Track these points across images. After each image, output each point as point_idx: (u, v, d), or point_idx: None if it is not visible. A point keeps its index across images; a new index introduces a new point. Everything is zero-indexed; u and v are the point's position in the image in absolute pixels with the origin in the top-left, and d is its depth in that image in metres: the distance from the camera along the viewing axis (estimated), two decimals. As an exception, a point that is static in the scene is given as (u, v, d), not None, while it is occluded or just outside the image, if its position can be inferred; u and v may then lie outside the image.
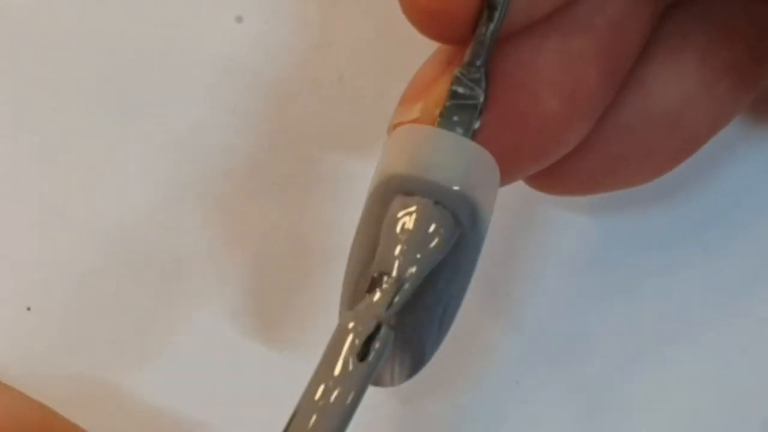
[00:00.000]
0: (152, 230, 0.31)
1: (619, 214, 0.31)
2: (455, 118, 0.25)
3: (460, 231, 0.24)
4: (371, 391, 0.30)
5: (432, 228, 0.24)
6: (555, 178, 0.27)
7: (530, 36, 0.25)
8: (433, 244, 0.24)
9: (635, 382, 0.30)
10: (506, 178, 0.26)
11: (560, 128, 0.26)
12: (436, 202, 0.24)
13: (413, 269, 0.24)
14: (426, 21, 0.25)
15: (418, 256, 0.24)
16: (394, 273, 0.24)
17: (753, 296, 0.30)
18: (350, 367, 0.23)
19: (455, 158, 0.24)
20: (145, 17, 0.32)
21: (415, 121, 0.25)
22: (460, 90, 0.25)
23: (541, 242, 0.31)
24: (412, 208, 0.24)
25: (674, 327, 0.30)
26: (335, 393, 0.23)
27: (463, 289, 0.25)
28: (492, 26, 0.24)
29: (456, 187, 0.24)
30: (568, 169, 0.27)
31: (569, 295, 0.31)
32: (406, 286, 0.24)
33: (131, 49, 0.32)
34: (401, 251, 0.24)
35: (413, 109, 0.25)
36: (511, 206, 0.31)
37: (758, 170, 0.31)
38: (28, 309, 0.31)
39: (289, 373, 0.30)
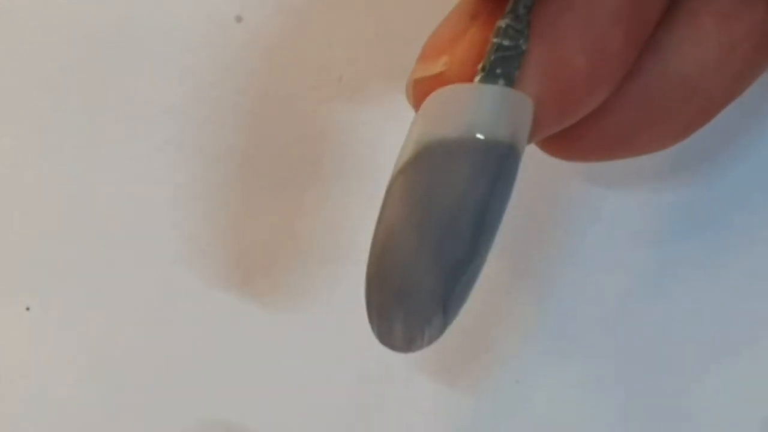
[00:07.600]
0: (152, 230, 0.31)
1: (620, 212, 0.31)
2: (498, 71, 0.24)
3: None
4: (371, 390, 0.30)
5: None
6: (570, 142, 0.27)
7: None
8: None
9: (635, 381, 0.30)
10: None
11: (585, 86, 0.25)
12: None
13: None
14: None
15: None
16: None
17: (755, 295, 0.30)
18: None
19: (503, 112, 0.24)
20: (144, 17, 0.32)
21: (439, 75, 0.25)
22: (506, 42, 0.24)
23: (540, 241, 0.31)
24: None
25: (674, 326, 0.30)
26: None
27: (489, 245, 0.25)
28: None
29: (507, 141, 0.24)
30: (584, 133, 0.27)
31: (569, 294, 0.31)
32: None
33: (131, 49, 0.32)
34: None
35: (437, 63, 0.25)
36: (509, 204, 0.31)
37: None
38: (28, 309, 0.31)
39: (290, 374, 0.30)
